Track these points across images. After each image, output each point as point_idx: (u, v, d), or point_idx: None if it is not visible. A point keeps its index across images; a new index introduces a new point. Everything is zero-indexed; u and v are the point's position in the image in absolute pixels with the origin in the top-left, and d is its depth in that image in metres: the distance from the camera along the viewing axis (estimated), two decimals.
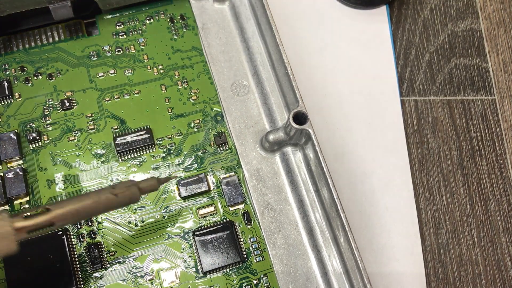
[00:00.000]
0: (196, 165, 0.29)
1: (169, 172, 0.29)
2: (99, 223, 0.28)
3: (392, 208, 0.33)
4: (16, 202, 0.28)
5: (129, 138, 0.29)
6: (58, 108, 0.30)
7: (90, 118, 0.30)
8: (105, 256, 0.27)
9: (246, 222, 0.28)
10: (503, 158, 0.35)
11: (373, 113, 0.35)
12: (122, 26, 0.32)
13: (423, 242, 0.33)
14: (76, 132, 0.29)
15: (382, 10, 0.38)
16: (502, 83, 0.37)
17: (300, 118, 0.27)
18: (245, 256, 0.28)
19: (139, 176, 0.29)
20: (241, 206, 0.29)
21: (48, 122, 0.30)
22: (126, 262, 0.27)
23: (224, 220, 0.28)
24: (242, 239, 0.28)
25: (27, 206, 0.28)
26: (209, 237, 0.27)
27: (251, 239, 0.28)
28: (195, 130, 0.30)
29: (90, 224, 0.28)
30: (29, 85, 0.30)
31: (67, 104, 0.30)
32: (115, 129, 0.30)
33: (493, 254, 0.33)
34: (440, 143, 0.35)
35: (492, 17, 0.39)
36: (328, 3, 0.38)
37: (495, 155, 0.35)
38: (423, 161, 0.35)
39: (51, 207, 0.21)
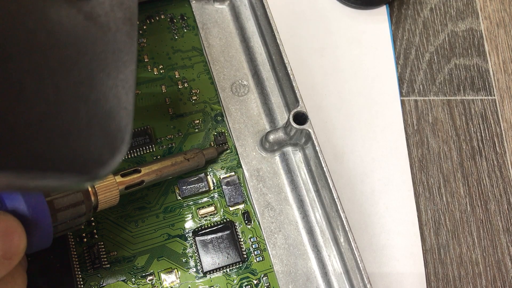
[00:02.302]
0: None
1: None
2: (99, 223, 0.28)
3: (392, 208, 0.33)
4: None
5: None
6: None
7: None
8: (105, 256, 0.27)
9: (246, 222, 0.28)
10: (503, 158, 0.35)
11: (373, 113, 0.35)
12: None
13: (423, 242, 0.33)
14: None
15: (382, 10, 0.38)
16: (502, 83, 0.37)
17: (300, 118, 0.27)
18: (245, 256, 0.28)
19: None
20: (241, 206, 0.29)
21: None
22: (126, 262, 0.27)
23: (224, 220, 0.28)
24: (242, 239, 0.28)
25: None
26: (209, 237, 0.27)
27: (251, 239, 0.28)
28: (195, 130, 0.30)
29: (90, 224, 0.28)
30: None
31: None
32: None
33: (493, 254, 0.33)
34: (440, 143, 0.35)
35: (492, 17, 0.39)
36: (328, 3, 0.38)
37: (495, 155, 0.35)
38: (423, 161, 0.35)
39: (141, 168, 0.26)
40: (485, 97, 0.37)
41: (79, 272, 0.27)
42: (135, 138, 0.29)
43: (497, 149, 0.35)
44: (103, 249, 0.27)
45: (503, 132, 0.36)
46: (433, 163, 0.35)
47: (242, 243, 0.28)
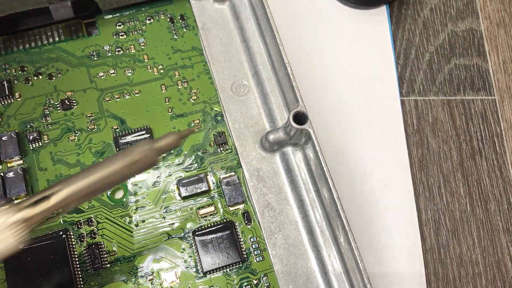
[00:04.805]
0: (196, 165, 0.29)
1: (169, 172, 0.29)
2: (99, 223, 0.28)
3: (392, 208, 0.33)
4: (16, 202, 0.28)
5: (129, 138, 0.29)
6: (58, 108, 0.30)
7: (90, 118, 0.30)
8: (105, 256, 0.27)
9: (246, 222, 0.28)
10: (503, 158, 0.35)
11: (373, 113, 0.35)
12: (122, 26, 0.32)
13: (423, 242, 0.33)
14: (76, 132, 0.29)
15: (382, 10, 0.38)
16: (502, 83, 0.37)
17: (300, 118, 0.27)
18: (245, 256, 0.28)
19: (139, 177, 0.29)
20: (241, 206, 0.29)
21: (48, 122, 0.30)
22: (126, 262, 0.27)
23: (224, 220, 0.28)
24: (242, 239, 0.28)
25: None
26: (209, 237, 0.27)
27: (251, 239, 0.28)
28: (196, 130, 0.30)
29: (90, 224, 0.28)
30: (29, 85, 0.30)
31: (67, 104, 0.30)
32: (115, 129, 0.30)
33: (493, 254, 0.33)
34: (440, 143, 0.35)
35: (492, 17, 0.39)
36: (328, 3, 0.38)
37: (495, 155, 0.35)
38: (423, 161, 0.35)
39: (54, 191, 0.19)
40: (485, 97, 0.37)
41: (79, 272, 0.27)
42: (135, 138, 0.29)
43: (497, 149, 0.35)
44: (103, 249, 0.27)
45: (503, 132, 0.36)
46: (433, 163, 0.35)
47: (242, 243, 0.28)
